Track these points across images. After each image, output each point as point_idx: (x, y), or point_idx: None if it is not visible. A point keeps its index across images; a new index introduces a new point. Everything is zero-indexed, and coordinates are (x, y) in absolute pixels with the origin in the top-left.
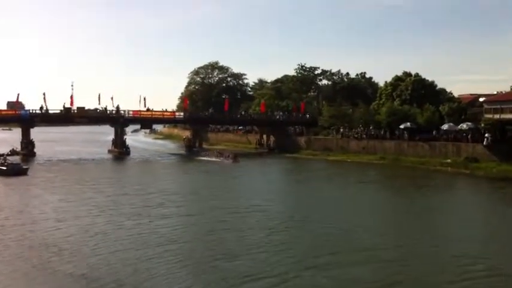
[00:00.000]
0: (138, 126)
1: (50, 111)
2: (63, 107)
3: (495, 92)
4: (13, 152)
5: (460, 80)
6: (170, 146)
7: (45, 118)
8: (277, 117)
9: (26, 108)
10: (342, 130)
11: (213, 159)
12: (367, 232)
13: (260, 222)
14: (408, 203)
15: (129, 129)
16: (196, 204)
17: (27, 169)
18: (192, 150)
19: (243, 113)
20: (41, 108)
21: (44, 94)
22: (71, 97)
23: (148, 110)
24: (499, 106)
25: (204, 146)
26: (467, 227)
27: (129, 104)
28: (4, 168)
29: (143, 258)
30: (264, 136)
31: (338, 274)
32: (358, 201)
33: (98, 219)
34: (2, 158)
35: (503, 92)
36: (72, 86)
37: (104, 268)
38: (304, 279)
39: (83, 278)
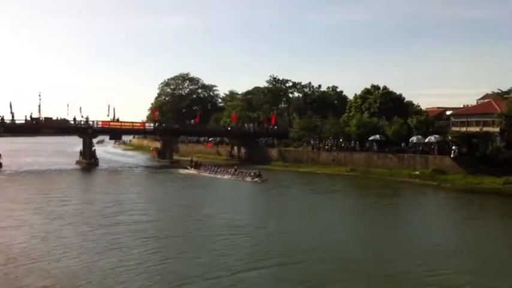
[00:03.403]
0: (103, 137)
1: (17, 121)
2: (30, 117)
3: (462, 106)
4: None
5: (426, 93)
6: (141, 157)
7: (12, 128)
8: (249, 128)
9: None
10: (312, 142)
11: (226, 176)
12: (311, 237)
13: (211, 229)
14: (368, 212)
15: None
16: (156, 213)
17: None
18: (170, 161)
19: (220, 124)
20: (12, 116)
21: (10, 103)
22: (39, 107)
23: (117, 120)
24: (465, 119)
25: (175, 157)
26: (419, 234)
27: (98, 115)
28: None
29: (101, 264)
30: (235, 148)
31: (268, 274)
32: (318, 210)
33: (58, 229)
34: None
35: (470, 106)
36: (39, 96)
37: (63, 277)
38: (234, 280)
39: None
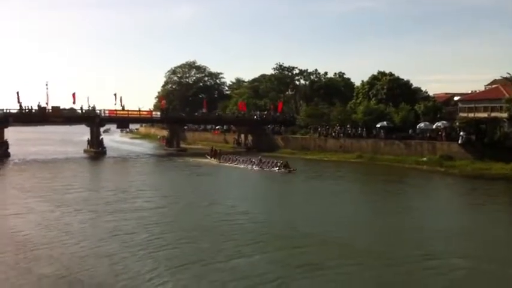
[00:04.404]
0: (109, 126)
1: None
2: (38, 106)
3: (469, 91)
4: None
5: (434, 79)
6: (148, 145)
7: (20, 118)
8: (255, 116)
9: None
10: (319, 129)
11: (250, 166)
12: (314, 222)
13: (216, 216)
14: (373, 198)
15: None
16: (161, 201)
17: None
18: (177, 149)
19: (218, 113)
20: (20, 106)
21: (17, 93)
22: (47, 96)
23: (123, 109)
24: (473, 105)
25: (182, 145)
26: (423, 219)
27: (105, 104)
28: None
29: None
30: (242, 135)
31: (269, 258)
32: (323, 196)
33: (65, 216)
34: None
35: (478, 91)
36: (46, 85)
37: (76, 266)
38: (233, 264)
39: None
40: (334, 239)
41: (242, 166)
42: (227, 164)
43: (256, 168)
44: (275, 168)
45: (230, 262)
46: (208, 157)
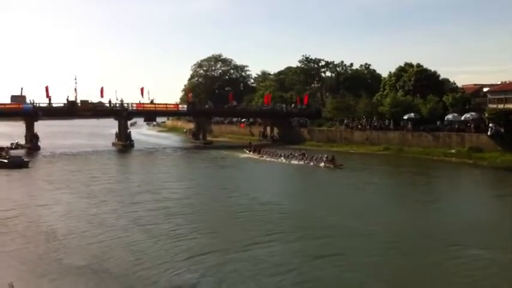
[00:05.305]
0: (135, 120)
1: (54, 105)
2: (67, 100)
3: (499, 82)
4: (17, 146)
5: (462, 70)
6: (175, 138)
7: (49, 111)
8: (281, 108)
9: (29, 101)
10: (345, 121)
11: (292, 161)
12: (337, 213)
13: (238, 207)
14: (398, 190)
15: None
16: (186, 192)
17: (28, 162)
18: (204, 142)
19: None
20: (49, 100)
21: (46, 87)
22: (75, 90)
23: (151, 102)
24: (503, 96)
25: (208, 138)
26: (447, 211)
27: (132, 97)
28: (5, 161)
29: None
30: (268, 128)
31: (285, 248)
32: (349, 188)
33: (95, 210)
34: (4, 151)
35: (507, 82)
36: (75, 79)
37: (107, 260)
38: (244, 255)
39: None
40: (356, 230)
41: (283, 161)
42: (268, 159)
43: (298, 162)
44: (321, 163)
45: (242, 252)
46: (247, 151)
